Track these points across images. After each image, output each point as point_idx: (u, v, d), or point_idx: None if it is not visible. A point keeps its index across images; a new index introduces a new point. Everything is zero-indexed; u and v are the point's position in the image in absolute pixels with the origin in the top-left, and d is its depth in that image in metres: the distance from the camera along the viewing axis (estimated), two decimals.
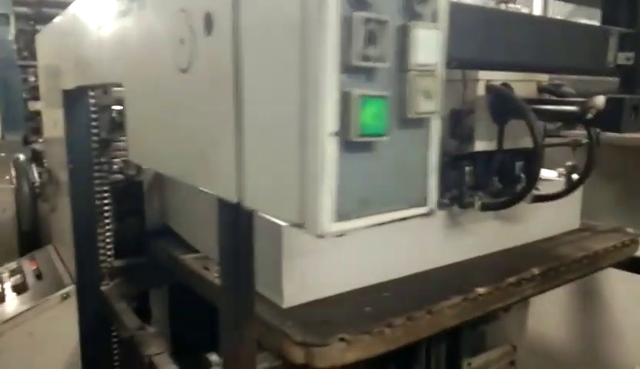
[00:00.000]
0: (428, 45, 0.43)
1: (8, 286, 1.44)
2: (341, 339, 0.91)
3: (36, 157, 2.47)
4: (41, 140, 2.61)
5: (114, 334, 1.43)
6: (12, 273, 1.51)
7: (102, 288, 1.38)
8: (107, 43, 0.84)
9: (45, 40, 1.38)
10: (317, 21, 0.38)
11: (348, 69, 0.39)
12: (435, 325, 1.04)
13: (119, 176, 1.49)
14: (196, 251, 1.35)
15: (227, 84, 0.49)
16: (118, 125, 1.46)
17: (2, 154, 2.43)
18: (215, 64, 0.50)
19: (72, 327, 1.35)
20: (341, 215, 0.40)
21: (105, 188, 1.41)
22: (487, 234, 1.27)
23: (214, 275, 1.15)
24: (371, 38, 0.40)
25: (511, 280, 1.15)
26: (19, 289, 1.42)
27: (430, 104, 0.44)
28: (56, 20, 1.22)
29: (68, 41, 1.13)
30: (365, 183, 0.41)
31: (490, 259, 1.28)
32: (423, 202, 0.45)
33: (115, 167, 1.46)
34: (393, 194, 0.43)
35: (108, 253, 1.43)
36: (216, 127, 0.51)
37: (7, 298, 1.39)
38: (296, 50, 0.40)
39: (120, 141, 1.48)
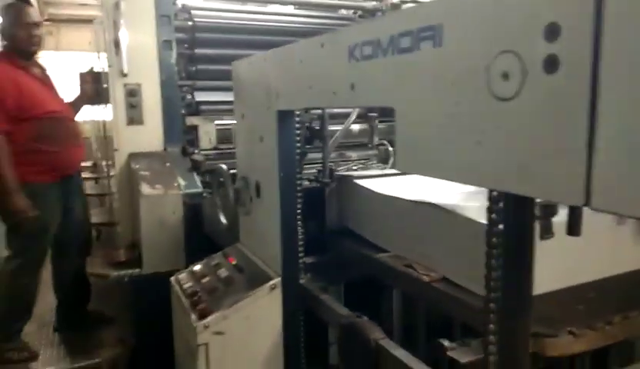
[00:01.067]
0: None
1: (218, 278, 1.68)
2: (570, 332, 1.01)
3: (195, 166, 2.80)
4: (197, 151, 2.94)
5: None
6: (217, 267, 1.75)
7: (301, 281, 1.58)
8: (366, 73, 1.01)
9: (253, 67, 1.61)
10: None
11: None
12: None
13: (306, 183, 1.70)
14: (381, 250, 1.50)
15: (573, 109, 0.62)
16: (309, 139, 1.67)
17: (167, 164, 2.76)
18: (557, 94, 0.64)
19: (277, 313, 1.56)
20: None
21: (299, 194, 1.61)
22: None
23: (419, 272, 1.29)
24: None
25: None
26: (228, 280, 1.65)
27: None
28: (275, 51, 1.43)
29: (293, 70, 1.33)
30: None
31: None
32: None
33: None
34: None
35: (301, 251, 1.62)
36: (554, 142, 0.64)
37: (221, 288, 1.63)
38: None
39: (311, 152, 1.69)
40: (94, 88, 2.96)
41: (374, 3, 3.37)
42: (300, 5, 3.49)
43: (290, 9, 3.57)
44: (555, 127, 0.64)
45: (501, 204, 0.86)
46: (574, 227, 0.85)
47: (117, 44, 2.71)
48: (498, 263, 0.90)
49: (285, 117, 1.48)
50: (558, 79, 0.63)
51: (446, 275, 1.25)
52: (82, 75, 3.06)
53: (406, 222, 1.39)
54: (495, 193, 0.87)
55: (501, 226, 0.87)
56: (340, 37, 1.10)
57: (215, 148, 3.02)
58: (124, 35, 2.70)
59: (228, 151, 3.05)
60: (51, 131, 2.58)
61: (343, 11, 3.56)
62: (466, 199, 1.32)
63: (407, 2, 3.31)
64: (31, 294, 2.70)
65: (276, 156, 1.51)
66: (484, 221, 1.12)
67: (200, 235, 2.57)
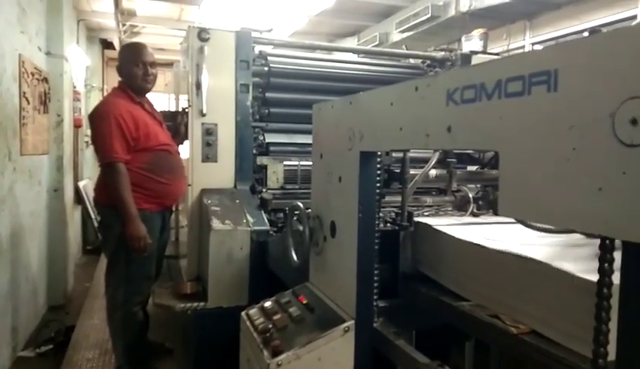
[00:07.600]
0: None
1: (289, 316, 1.68)
2: None
3: (263, 204, 2.86)
4: (264, 189, 3.02)
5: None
6: (287, 305, 1.75)
7: (374, 325, 1.54)
8: (466, 116, 1.02)
9: (337, 110, 1.66)
10: None
11: None
12: None
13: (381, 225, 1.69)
14: (461, 298, 1.45)
15: None
16: (387, 182, 1.68)
17: (237, 201, 2.84)
18: None
19: (349, 356, 1.53)
20: None
21: (377, 235, 1.60)
22: None
23: (506, 323, 1.24)
24: None
25: None
26: (299, 319, 1.64)
27: None
28: (362, 95, 1.48)
29: (382, 112, 1.36)
30: None
31: None
32: None
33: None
34: None
35: (375, 294, 1.60)
36: None
37: (292, 327, 1.62)
38: None
39: (389, 194, 1.69)
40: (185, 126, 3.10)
41: (443, 53, 3.42)
42: (370, 55, 3.59)
43: (357, 58, 3.69)
44: None
45: (614, 254, 0.82)
46: None
47: (198, 85, 2.88)
48: (608, 316, 0.85)
49: (367, 158, 1.50)
50: None
51: (536, 329, 1.19)
52: (180, 114, 3.25)
53: (491, 271, 1.35)
54: (607, 242, 0.84)
55: (614, 277, 0.83)
56: (437, 81, 1.12)
57: (281, 188, 3.09)
58: (205, 78, 2.88)
59: (293, 191, 3.12)
60: (161, 162, 2.75)
61: (411, 61, 3.64)
62: (558, 250, 1.27)
63: (477, 53, 3.34)
64: (141, 322, 2.81)
65: (356, 197, 1.52)
66: (581, 274, 1.08)
67: (264, 272, 2.60)
